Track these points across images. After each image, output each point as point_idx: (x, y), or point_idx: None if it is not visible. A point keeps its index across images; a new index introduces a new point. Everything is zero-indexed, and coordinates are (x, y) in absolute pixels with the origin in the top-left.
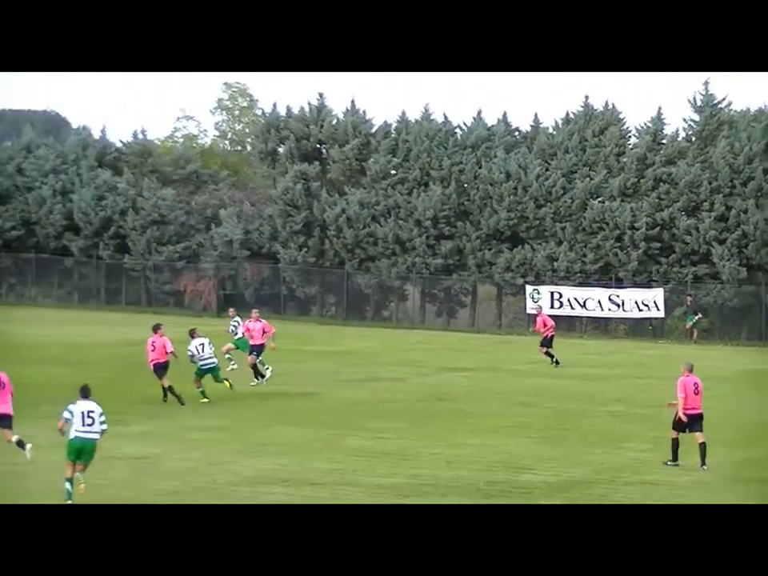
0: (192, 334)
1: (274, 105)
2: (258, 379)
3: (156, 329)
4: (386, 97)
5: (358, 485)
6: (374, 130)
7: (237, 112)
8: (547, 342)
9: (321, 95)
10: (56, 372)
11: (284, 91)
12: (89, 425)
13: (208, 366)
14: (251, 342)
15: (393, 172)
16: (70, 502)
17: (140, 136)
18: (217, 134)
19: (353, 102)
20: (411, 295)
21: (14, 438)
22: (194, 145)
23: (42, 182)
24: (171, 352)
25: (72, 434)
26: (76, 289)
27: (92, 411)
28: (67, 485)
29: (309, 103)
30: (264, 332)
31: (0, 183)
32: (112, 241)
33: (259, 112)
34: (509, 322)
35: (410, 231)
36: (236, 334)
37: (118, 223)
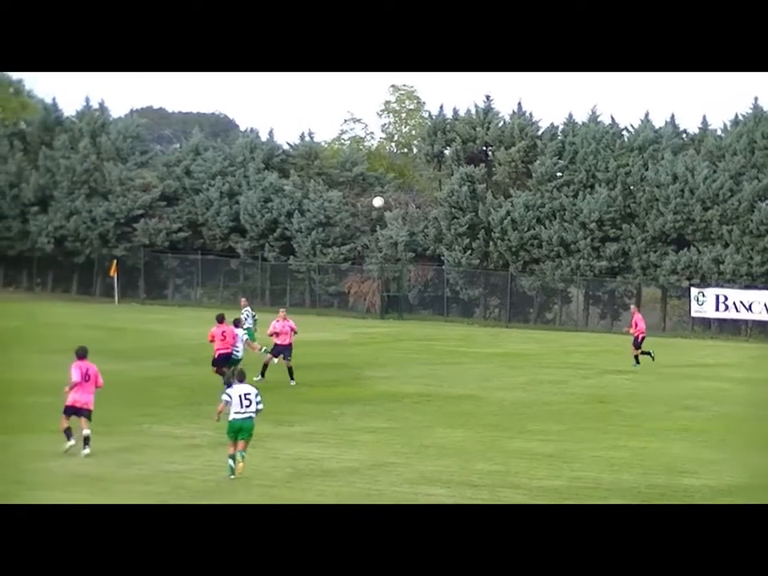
0: (236, 324)
1: (441, 107)
2: (260, 376)
3: (222, 319)
4: (553, 98)
5: (519, 487)
6: (540, 132)
7: (404, 114)
8: (638, 344)
9: (488, 97)
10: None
11: (451, 93)
12: (246, 406)
13: (233, 357)
14: (277, 342)
15: (558, 174)
16: (233, 477)
17: (307, 138)
18: (383, 136)
19: (519, 103)
20: (575, 297)
21: (85, 433)
22: (361, 147)
23: (209, 183)
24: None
25: (231, 416)
26: (241, 290)
27: (248, 394)
28: (230, 461)
29: (475, 105)
30: (293, 331)
31: (168, 185)
32: (277, 242)
33: (426, 114)
34: (673, 325)
35: (574, 233)
36: (245, 323)
37: (283, 225)
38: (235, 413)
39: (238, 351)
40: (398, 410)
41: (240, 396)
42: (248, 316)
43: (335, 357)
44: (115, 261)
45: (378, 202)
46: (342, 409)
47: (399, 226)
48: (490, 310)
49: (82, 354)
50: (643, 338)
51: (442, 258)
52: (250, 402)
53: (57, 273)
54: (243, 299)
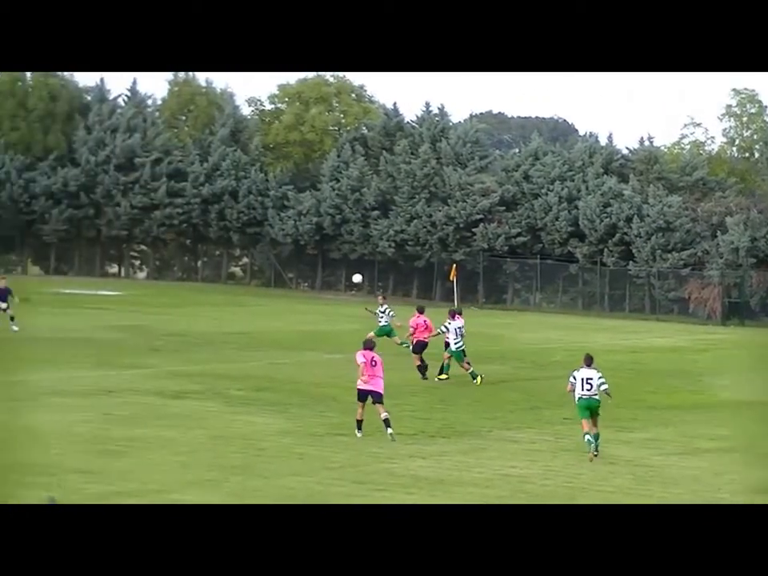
0: (453, 315)
1: None
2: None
3: (422, 310)
4: None
5: None
6: None
7: (745, 118)
8: None
9: None
10: (558, 375)
11: None
12: (588, 389)
13: (461, 349)
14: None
15: None
16: (595, 454)
17: (646, 143)
18: (724, 140)
19: None
20: None
21: (383, 416)
22: (701, 152)
23: (548, 188)
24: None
25: (577, 396)
26: (580, 295)
27: (590, 378)
28: (587, 437)
29: None
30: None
31: (507, 190)
32: (616, 248)
33: None
34: None
35: None
36: (380, 321)
37: (622, 230)
38: (579, 394)
39: (458, 343)
40: (739, 418)
41: (582, 379)
42: (383, 313)
43: (675, 363)
44: (455, 265)
45: (357, 278)
46: (682, 416)
47: (740, 232)
48: None
49: (369, 346)
50: None
51: None
52: (591, 386)
53: (397, 276)
54: (381, 296)
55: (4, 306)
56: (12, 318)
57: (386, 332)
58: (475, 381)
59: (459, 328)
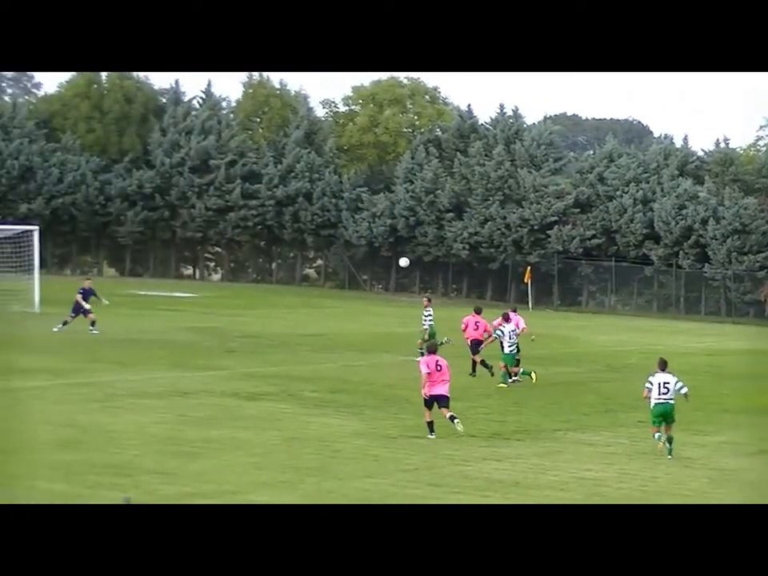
0: (507, 318)
1: None
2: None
3: (480, 311)
4: None
5: None
6: None
7: None
8: None
9: None
10: (633, 377)
11: None
12: (664, 393)
13: (513, 351)
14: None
15: None
16: (669, 457)
17: (722, 144)
18: None
19: None
20: None
21: (448, 415)
22: None
23: (623, 190)
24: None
25: (653, 402)
26: (655, 297)
27: (667, 382)
28: (656, 435)
29: None
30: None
31: (582, 192)
32: (692, 250)
33: None
34: None
35: None
36: (424, 323)
37: (698, 232)
38: (656, 399)
39: (512, 346)
40: None
41: (659, 384)
42: (427, 315)
43: (752, 366)
44: (529, 267)
45: (403, 262)
46: (758, 418)
47: None
48: None
49: (432, 350)
50: None
51: None
52: (668, 390)
53: (471, 278)
54: (426, 299)
55: (87, 306)
56: (93, 323)
57: (430, 335)
58: (511, 378)
59: (512, 331)
